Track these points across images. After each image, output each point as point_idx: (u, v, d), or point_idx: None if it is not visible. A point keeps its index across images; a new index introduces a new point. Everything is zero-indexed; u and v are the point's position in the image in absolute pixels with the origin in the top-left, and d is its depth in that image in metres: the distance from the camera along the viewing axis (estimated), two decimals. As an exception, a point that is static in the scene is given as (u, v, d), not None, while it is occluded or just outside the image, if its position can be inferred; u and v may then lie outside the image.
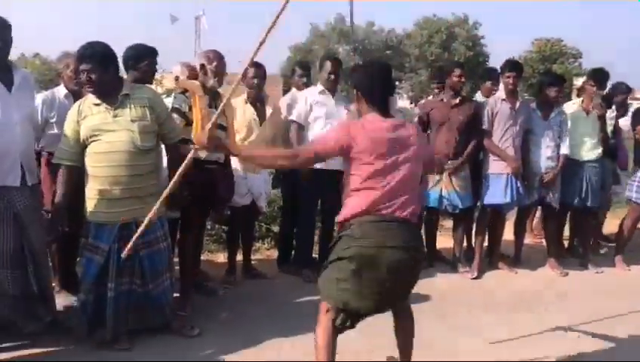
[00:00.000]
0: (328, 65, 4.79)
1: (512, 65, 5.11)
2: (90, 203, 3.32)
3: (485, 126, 5.01)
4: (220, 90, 4.06)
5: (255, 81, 4.58)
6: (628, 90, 5.97)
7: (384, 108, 2.73)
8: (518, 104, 5.03)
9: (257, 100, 4.65)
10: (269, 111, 4.68)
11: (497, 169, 4.99)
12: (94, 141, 3.25)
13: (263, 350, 3.45)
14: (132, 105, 3.32)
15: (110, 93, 3.30)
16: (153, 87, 4.19)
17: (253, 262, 4.96)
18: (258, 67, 4.61)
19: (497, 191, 4.96)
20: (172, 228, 3.88)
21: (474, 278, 5.02)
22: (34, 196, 3.39)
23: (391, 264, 2.55)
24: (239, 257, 4.88)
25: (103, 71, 3.25)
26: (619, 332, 3.82)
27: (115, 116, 3.27)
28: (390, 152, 2.61)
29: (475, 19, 44.98)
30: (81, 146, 3.29)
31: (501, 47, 74.13)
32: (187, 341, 3.52)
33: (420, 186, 2.93)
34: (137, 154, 3.29)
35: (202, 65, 3.92)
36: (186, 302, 3.93)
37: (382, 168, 2.59)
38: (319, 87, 4.81)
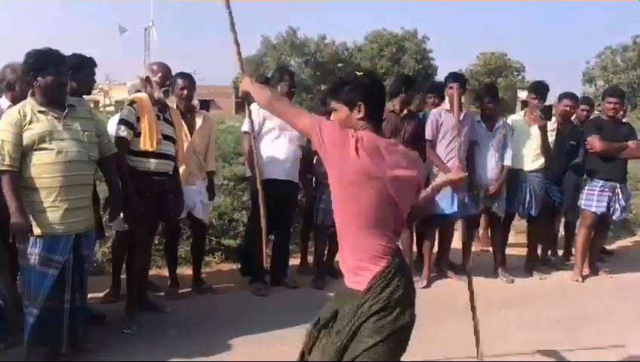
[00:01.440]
0: (283, 77, 4.81)
1: (454, 77, 5.24)
2: (41, 215, 3.14)
3: (429, 137, 5.12)
4: (167, 101, 4.02)
5: (185, 92, 4.48)
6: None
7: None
8: (462, 115, 5.12)
9: (187, 111, 4.56)
10: (199, 122, 4.61)
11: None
12: (42, 150, 3.11)
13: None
14: (79, 116, 3.28)
15: (61, 101, 3.23)
16: (102, 98, 4.13)
17: (203, 276, 4.88)
18: (186, 77, 4.52)
19: (444, 201, 5.04)
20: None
21: (423, 287, 5.08)
22: None
23: None
24: (189, 271, 4.82)
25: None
26: (554, 337, 3.97)
27: (65, 125, 3.19)
28: None
29: (423, 34, 46.11)
30: (21, 153, 3.11)
31: (449, 61, 75.97)
32: (136, 355, 3.42)
33: None
34: (88, 163, 3.28)
35: (147, 78, 3.89)
36: (132, 320, 3.85)
37: None
38: None
